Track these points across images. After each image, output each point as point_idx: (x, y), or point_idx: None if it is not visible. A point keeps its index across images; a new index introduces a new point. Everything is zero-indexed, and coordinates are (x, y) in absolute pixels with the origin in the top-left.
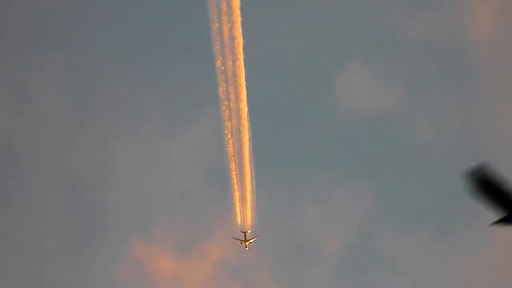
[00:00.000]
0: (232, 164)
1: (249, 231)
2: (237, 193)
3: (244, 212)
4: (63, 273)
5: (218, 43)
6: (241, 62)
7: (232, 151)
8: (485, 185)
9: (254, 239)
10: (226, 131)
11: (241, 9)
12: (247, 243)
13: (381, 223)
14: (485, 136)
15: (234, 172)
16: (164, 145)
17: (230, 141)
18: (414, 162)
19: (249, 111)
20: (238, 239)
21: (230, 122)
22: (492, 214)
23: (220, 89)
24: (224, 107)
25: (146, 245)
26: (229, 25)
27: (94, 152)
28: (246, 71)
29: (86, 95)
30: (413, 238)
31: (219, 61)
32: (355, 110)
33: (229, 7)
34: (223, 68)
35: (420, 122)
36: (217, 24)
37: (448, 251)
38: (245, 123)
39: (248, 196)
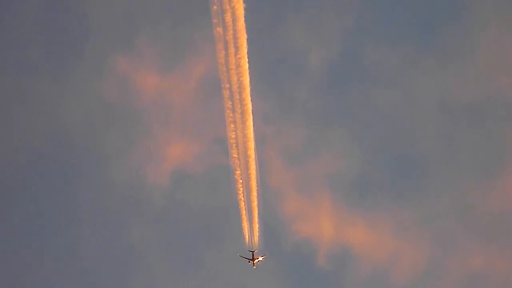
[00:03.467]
0: None
1: (256, 251)
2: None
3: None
4: (46, 89)
5: None
6: None
7: None
8: None
9: (263, 257)
10: None
11: None
12: (254, 262)
13: (366, 35)
14: None
15: None
16: None
17: None
18: None
19: None
20: (246, 258)
21: None
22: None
23: None
24: None
25: (129, 59)
26: None
27: None
28: None
29: None
30: (398, 51)
31: None
32: None
33: None
34: None
35: None
36: None
37: (432, 64)
38: None
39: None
